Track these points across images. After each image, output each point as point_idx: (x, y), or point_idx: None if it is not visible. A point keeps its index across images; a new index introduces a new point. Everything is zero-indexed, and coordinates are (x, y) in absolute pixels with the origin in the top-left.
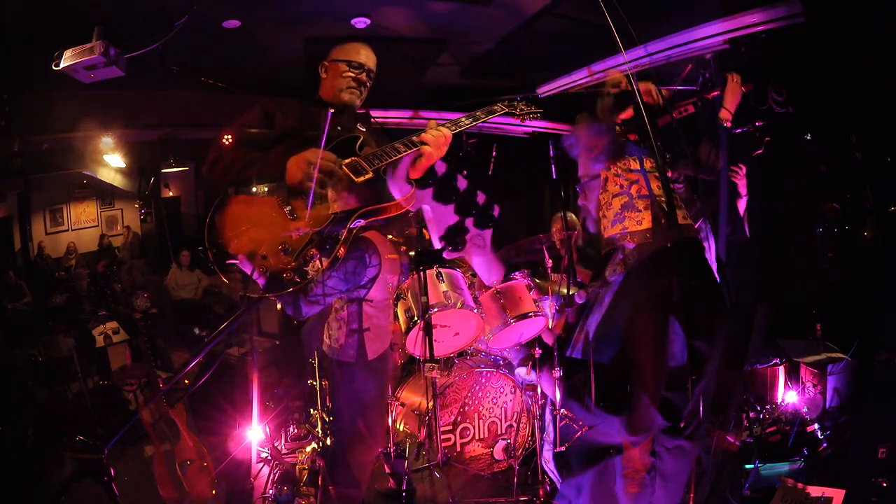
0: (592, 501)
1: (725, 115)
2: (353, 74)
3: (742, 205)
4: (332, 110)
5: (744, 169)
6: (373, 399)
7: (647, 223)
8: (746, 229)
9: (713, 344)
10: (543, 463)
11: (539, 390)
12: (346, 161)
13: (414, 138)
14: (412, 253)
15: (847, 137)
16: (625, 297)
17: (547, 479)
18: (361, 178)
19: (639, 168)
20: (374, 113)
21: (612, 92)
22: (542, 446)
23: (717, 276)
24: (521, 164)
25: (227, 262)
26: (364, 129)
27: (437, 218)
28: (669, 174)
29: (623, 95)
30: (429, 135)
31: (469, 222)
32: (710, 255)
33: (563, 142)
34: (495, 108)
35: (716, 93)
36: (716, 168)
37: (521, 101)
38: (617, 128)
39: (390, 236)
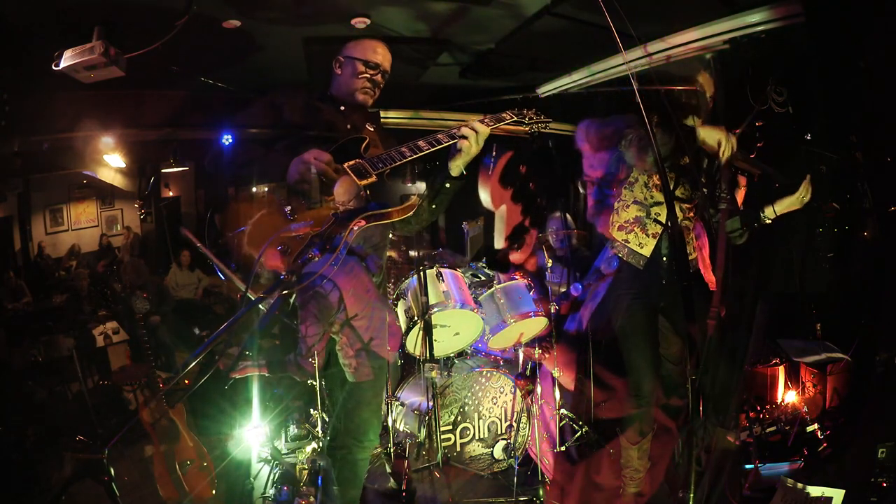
0: (583, 490)
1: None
2: (368, 75)
3: (740, 196)
4: (342, 108)
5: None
6: (372, 399)
7: (646, 251)
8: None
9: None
10: (537, 453)
11: (538, 390)
12: (350, 163)
13: (420, 142)
14: (413, 253)
15: (847, 137)
16: (618, 289)
17: (547, 480)
18: (364, 182)
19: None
20: None
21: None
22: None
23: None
24: (521, 163)
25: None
26: (372, 129)
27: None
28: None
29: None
30: (465, 130)
31: (529, 222)
32: (704, 256)
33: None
34: (504, 115)
35: None
36: (735, 242)
37: (530, 109)
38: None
39: (391, 234)
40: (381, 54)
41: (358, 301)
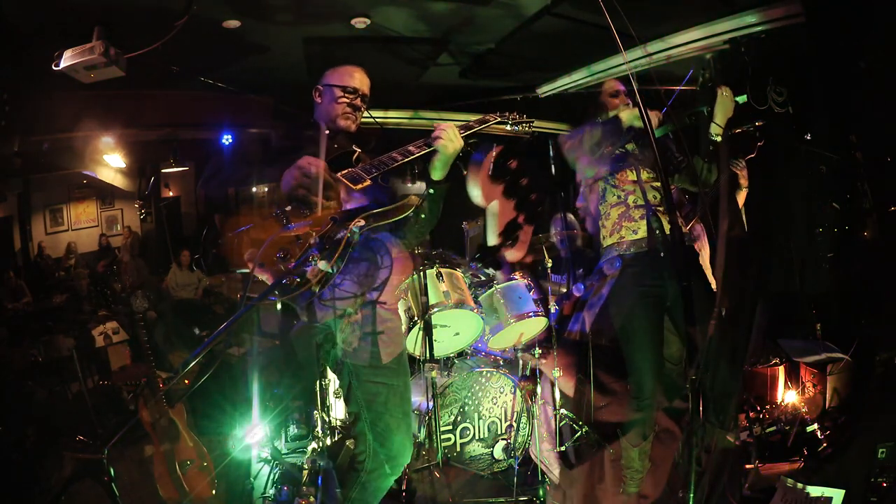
0: (587, 492)
1: (716, 129)
2: (347, 100)
3: (742, 198)
4: (327, 131)
5: (744, 162)
6: (402, 420)
7: (642, 233)
8: (745, 222)
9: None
10: (537, 455)
11: (539, 390)
12: (344, 172)
13: (410, 147)
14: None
15: (847, 137)
16: (621, 290)
17: (548, 480)
18: (359, 186)
19: (635, 179)
20: (374, 113)
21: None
22: (538, 441)
23: (710, 279)
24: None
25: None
26: (359, 151)
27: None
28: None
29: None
30: (436, 133)
31: (522, 218)
32: (704, 258)
33: (562, 146)
34: (488, 117)
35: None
36: (712, 183)
37: (513, 111)
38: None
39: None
40: (357, 79)
41: (393, 293)
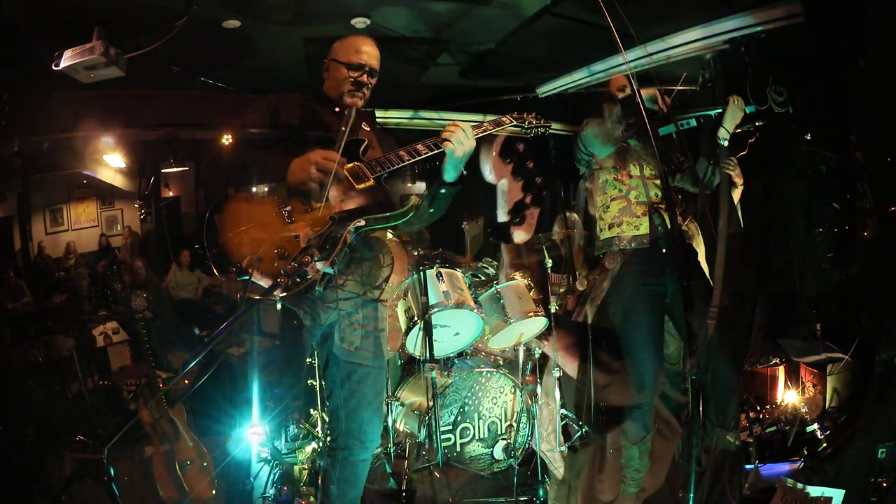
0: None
1: (724, 134)
2: (353, 77)
3: (737, 195)
4: (352, 111)
5: (735, 160)
6: (373, 399)
7: (644, 229)
8: (741, 219)
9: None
10: (541, 450)
11: (539, 389)
12: (349, 165)
13: (419, 146)
14: (416, 252)
15: (847, 137)
16: (622, 286)
17: (548, 480)
18: (361, 185)
19: (638, 174)
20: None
21: (619, 96)
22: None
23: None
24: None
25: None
26: (368, 129)
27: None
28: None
29: (628, 101)
30: (447, 133)
31: (529, 199)
32: (701, 256)
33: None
34: (504, 119)
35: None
36: (714, 187)
37: (530, 113)
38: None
39: (390, 234)
40: (366, 53)
41: (393, 290)
